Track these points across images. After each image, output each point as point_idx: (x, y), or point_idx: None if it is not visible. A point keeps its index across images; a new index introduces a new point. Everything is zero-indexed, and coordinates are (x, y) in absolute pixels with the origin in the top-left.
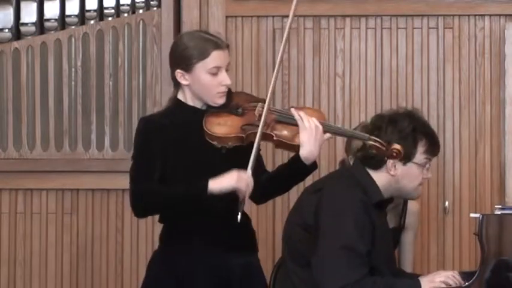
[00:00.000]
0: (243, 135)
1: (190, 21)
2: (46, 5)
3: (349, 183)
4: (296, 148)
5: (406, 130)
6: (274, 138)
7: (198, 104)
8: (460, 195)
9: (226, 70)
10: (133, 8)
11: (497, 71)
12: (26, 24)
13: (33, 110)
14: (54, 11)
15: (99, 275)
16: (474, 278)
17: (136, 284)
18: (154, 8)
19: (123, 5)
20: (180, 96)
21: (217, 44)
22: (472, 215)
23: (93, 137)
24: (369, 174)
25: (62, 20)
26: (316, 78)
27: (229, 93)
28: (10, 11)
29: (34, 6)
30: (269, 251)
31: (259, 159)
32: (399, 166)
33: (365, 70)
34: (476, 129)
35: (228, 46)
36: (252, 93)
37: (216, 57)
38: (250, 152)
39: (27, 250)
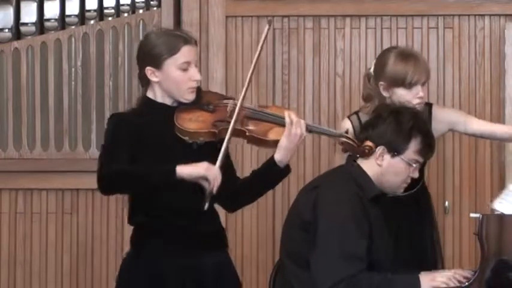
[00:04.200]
0: (215, 131)
1: (190, 21)
2: (46, 5)
3: (344, 179)
4: (268, 144)
5: (405, 124)
6: (247, 133)
7: (168, 101)
8: (460, 195)
9: (196, 66)
10: (133, 8)
11: (497, 71)
12: (26, 24)
13: (33, 110)
14: (54, 11)
15: (99, 275)
16: (474, 278)
17: None
18: (154, 8)
19: (123, 5)
20: (149, 95)
21: (186, 39)
22: (472, 215)
23: (93, 137)
24: (361, 169)
25: (62, 20)
26: (316, 78)
27: (199, 91)
28: (10, 11)
29: (34, 6)
30: (269, 251)
31: (229, 162)
32: (387, 157)
33: (365, 70)
34: None
35: (196, 42)
36: (252, 92)
37: (185, 53)
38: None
39: (27, 250)
